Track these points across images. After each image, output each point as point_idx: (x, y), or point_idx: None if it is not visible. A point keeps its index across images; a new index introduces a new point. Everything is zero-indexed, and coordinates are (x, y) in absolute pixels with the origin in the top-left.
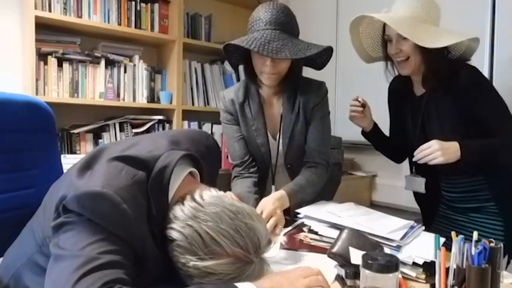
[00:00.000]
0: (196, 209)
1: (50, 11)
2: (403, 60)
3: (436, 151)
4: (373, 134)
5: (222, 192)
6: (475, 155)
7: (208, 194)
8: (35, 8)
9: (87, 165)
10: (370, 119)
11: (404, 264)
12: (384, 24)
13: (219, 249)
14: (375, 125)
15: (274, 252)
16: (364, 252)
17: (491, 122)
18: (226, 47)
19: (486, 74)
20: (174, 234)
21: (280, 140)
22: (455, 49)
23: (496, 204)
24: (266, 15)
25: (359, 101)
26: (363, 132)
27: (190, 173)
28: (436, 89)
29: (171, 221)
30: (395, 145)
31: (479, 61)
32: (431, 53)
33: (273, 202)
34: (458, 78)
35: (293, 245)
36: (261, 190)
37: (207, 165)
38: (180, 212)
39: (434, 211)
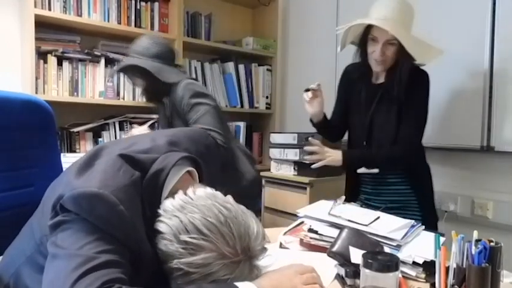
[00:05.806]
0: (185, 201)
1: (49, 9)
2: (381, 60)
3: (325, 153)
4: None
5: (219, 192)
6: (354, 163)
7: (202, 190)
8: (35, 7)
9: (86, 164)
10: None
11: (404, 263)
12: (370, 26)
13: (203, 242)
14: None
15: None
16: (364, 252)
17: (402, 126)
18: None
19: (486, 73)
20: (161, 226)
21: None
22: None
23: (416, 198)
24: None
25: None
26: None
27: (189, 172)
28: (395, 83)
29: (160, 215)
30: (334, 125)
31: (479, 59)
32: (406, 60)
33: None
34: (416, 79)
35: (293, 244)
36: None
37: (207, 164)
38: (170, 204)
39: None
